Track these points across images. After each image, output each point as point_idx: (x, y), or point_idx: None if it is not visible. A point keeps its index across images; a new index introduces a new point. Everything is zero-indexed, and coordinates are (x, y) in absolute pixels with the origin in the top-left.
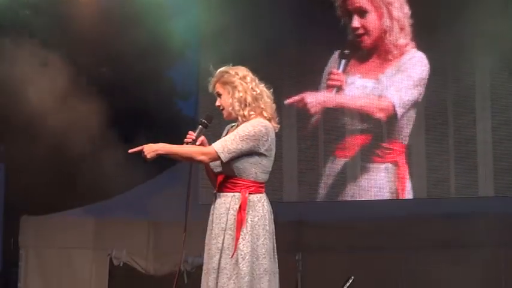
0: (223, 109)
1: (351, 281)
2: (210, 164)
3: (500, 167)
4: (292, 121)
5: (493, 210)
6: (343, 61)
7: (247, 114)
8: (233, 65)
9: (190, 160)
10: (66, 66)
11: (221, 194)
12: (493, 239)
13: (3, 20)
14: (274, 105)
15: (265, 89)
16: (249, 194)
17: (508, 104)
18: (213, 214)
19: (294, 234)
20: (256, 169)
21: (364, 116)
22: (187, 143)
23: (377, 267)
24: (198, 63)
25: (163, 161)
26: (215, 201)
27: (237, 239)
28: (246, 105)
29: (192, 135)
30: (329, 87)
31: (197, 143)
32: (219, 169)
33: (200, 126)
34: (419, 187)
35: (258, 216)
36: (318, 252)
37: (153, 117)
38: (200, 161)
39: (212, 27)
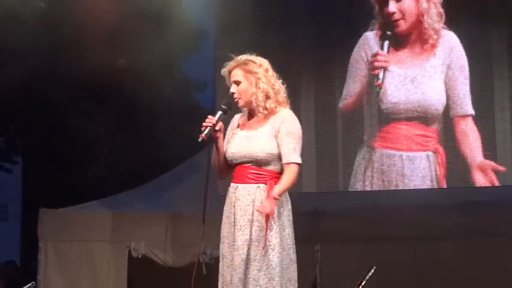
0: (239, 97)
1: (372, 271)
2: (230, 154)
3: None
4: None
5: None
6: (386, 42)
7: (269, 106)
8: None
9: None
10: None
11: (244, 185)
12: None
13: None
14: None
15: (281, 85)
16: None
17: None
18: (233, 206)
19: (312, 225)
20: (280, 161)
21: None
22: (206, 128)
23: (396, 257)
24: (213, 54)
25: (181, 152)
26: (236, 192)
27: (266, 230)
28: (268, 97)
29: (211, 119)
30: (376, 68)
31: (216, 128)
32: (239, 160)
33: (220, 111)
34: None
35: (283, 207)
36: (337, 242)
37: (171, 109)
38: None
39: (227, 18)
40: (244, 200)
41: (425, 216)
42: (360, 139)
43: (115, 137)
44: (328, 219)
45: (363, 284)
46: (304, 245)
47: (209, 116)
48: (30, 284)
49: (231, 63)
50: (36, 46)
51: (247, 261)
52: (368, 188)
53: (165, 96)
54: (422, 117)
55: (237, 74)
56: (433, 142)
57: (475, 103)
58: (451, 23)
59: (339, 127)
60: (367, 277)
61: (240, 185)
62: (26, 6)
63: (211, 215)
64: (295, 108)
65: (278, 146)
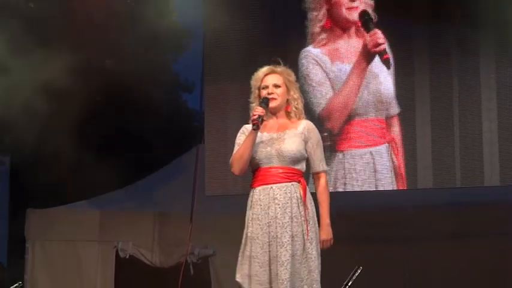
0: (276, 97)
1: (359, 271)
2: (260, 157)
3: (506, 156)
4: None
5: (499, 200)
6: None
7: (301, 112)
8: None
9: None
10: (69, 59)
11: (279, 185)
12: (499, 229)
13: None
14: None
15: None
16: None
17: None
18: (268, 207)
19: None
20: (305, 162)
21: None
22: (258, 116)
23: (383, 257)
24: (202, 55)
25: (168, 153)
26: (270, 193)
27: (307, 227)
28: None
29: (262, 112)
30: (379, 45)
31: (264, 119)
32: (270, 160)
33: (265, 105)
34: (426, 177)
35: (311, 202)
36: None
37: (159, 110)
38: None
39: (216, 19)
40: (282, 198)
41: (413, 216)
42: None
43: (102, 137)
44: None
45: (349, 284)
46: None
47: (257, 107)
48: (17, 284)
49: (270, 68)
50: None
51: (292, 257)
52: (340, 189)
53: (153, 96)
54: (380, 111)
55: (278, 79)
56: (388, 134)
57: (462, 104)
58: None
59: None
60: (354, 277)
61: (275, 185)
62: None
63: (199, 215)
64: None
65: (306, 151)
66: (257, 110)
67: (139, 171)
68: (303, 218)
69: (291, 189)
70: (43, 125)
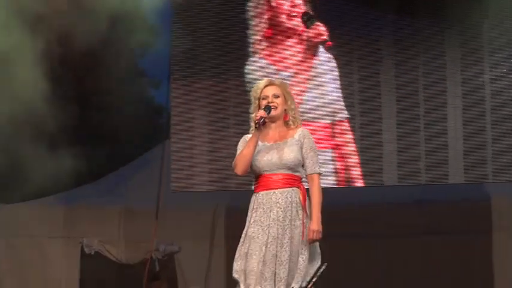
0: (276, 106)
1: (324, 267)
2: (262, 165)
3: (471, 153)
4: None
5: (463, 197)
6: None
7: (298, 120)
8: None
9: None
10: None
11: (281, 190)
12: (464, 226)
13: None
14: None
15: None
16: None
17: (479, 91)
18: (270, 210)
19: None
20: (303, 168)
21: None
22: (261, 118)
23: (349, 254)
24: (169, 51)
25: (134, 148)
26: (273, 197)
27: (303, 230)
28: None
29: (264, 114)
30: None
31: (266, 121)
32: (271, 167)
33: (268, 110)
34: (391, 174)
35: (309, 207)
36: None
37: (126, 105)
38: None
39: (184, 15)
40: (283, 202)
41: (378, 213)
42: None
43: (70, 132)
44: None
45: (314, 280)
46: None
47: (260, 111)
48: None
49: (269, 81)
50: None
51: (289, 257)
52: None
53: (121, 91)
54: (325, 116)
55: (276, 90)
56: (332, 139)
57: (428, 102)
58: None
59: None
60: (319, 273)
61: (277, 190)
62: None
63: (165, 211)
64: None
65: (302, 155)
66: (260, 113)
67: (104, 167)
68: (300, 221)
69: (292, 194)
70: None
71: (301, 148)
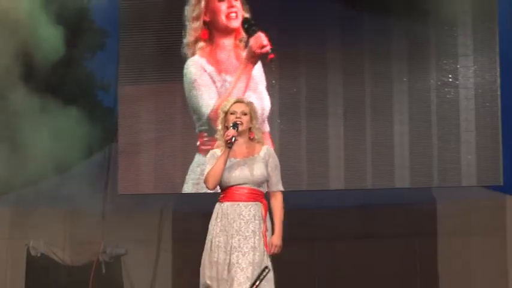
0: (242, 122)
1: (267, 270)
2: (232, 177)
3: (417, 158)
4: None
5: (408, 201)
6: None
7: (261, 136)
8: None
9: None
10: None
11: (245, 203)
12: (408, 230)
13: None
14: None
15: None
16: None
17: (425, 97)
18: (234, 220)
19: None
20: (266, 184)
21: None
22: (233, 137)
23: (293, 257)
24: (117, 53)
25: (81, 151)
26: (237, 209)
27: (265, 240)
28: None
29: (235, 133)
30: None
31: (235, 139)
32: (238, 182)
33: (236, 127)
34: (338, 179)
35: (269, 221)
36: None
37: (74, 108)
38: None
39: (132, 17)
40: (247, 215)
41: (320, 217)
42: None
43: (14, 131)
44: None
45: (257, 283)
46: (203, 244)
47: (230, 129)
48: None
49: (240, 98)
50: None
51: (251, 264)
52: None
53: (68, 93)
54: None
55: (245, 108)
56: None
57: (375, 108)
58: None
59: None
60: (261, 277)
61: (242, 203)
62: None
63: (111, 213)
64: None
65: (267, 173)
66: (230, 132)
67: (52, 169)
68: (261, 234)
69: (255, 208)
70: None
71: (267, 166)
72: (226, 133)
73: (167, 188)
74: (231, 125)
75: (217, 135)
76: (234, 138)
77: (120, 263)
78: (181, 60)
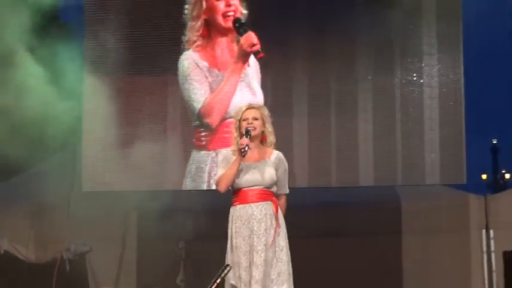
0: (254, 128)
1: (229, 268)
2: (241, 182)
3: (381, 156)
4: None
5: (372, 199)
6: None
7: (273, 141)
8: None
9: None
10: None
11: (256, 204)
12: (372, 227)
13: None
14: None
15: None
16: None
17: (389, 94)
18: (248, 222)
19: (177, 223)
20: (276, 185)
21: None
22: (246, 145)
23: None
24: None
25: (46, 149)
26: (249, 210)
27: (275, 237)
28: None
29: (248, 142)
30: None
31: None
32: (249, 184)
33: (249, 135)
34: (301, 177)
35: (282, 217)
36: (201, 240)
37: None
38: None
39: (97, 11)
40: (258, 214)
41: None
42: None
43: None
44: (193, 217)
45: (218, 281)
46: (168, 242)
47: (244, 138)
48: None
49: (250, 104)
50: None
51: (265, 261)
52: None
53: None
54: None
55: (256, 113)
56: None
57: (339, 106)
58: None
59: None
60: (223, 275)
61: (253, 204)
62: None
63: (76, 211)
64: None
65: (276, 177)
66: (244, 141)
67: (16, 166)
68: (273, 230)
69: (266, 207)
70: None
71: (276, 170)
72: (240, 142)
73: (133, 185)
74: (244, 133)
75: (233, 143)
76: (247, 147)
77: (84, 261)
78: (148, 53)
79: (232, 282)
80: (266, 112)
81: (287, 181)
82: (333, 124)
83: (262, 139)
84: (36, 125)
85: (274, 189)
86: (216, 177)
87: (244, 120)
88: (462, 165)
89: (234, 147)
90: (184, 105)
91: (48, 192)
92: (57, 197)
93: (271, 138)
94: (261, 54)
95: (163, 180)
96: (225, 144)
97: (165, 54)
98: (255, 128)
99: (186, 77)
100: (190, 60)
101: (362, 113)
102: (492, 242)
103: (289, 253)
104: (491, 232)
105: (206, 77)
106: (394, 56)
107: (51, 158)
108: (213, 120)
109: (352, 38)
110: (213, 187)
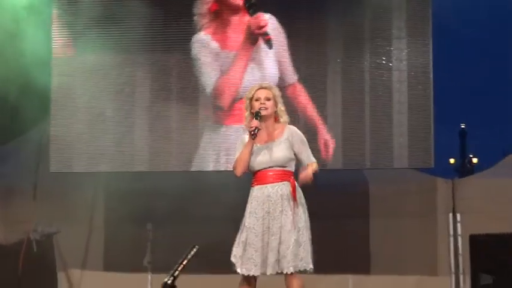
0: (266, 107)
1: (195, 250)
2: (256, 164)
3: (350, 140)
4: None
5: (341, 182)
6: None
7: (286, 119)
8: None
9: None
10: None
11: (272, 184)
12: (341, 211)
13: None
14: None
15: None
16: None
17: (358, 77)
18: (263, 203)
19: (145, 204)
20: (293, 163)
21: None
22: (256, 128)
23: (227, 237)
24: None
25: (13, 129)
26: (265, 191)
27: (293, 218)
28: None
29: (256, 123)
30: (262, 27)
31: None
32: (264, 166)
33: (259, 117)
34: None
35: (301, 197)
36: (170, 222)
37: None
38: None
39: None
40: (274, 195)
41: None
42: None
43: None
44: (161, 199)
45: (184, 263)
46: (136, 223)
47: (254, 120)
48: None
49: (260, 85)
50: None
51: (279, 244)
52: (222, 168)
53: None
54: None
55: (268, 94)
56: None
57: (308, 87)
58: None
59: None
60: (189, 256)
61: (269, 185)
62: None
63: (43, 192)
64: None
65: (294, 153)
66: (254, 123)
67: None
68: (291, 212)
69: (282, 188)
70: None
71: (293, 145)
72: (250, 124)
73: (100, 167)
74: (255, 115)
75: (245, 122)
76: (256, 130)
77: (51, 242)
78: (114, 31)
79: (233, 259)
80: (277, 92)
81: (309, 150)
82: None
83: (275, 119)
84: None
85: (291, 168)
86: (234, 163)
87: (256, 100)
88: (430, 149)
89: (245, 124)
90: (152, 83)
91: (15, 172)
92: (25, 177)
93: (284, 117)
94: (268, 37)
95: (131, 161)
96: (237, 118)
97: (135, 30)
98: (266, 109)
99: (196, 60)
100: (201, 43)
101: (331, 96)
102: (459, 225)
103: (309, 233)
104: (458, 216)
105: (216, 59)
106: (363, 39)
107: (18, 138)
108: (223, 102)
109: (322, 21)
110: (183, 169)
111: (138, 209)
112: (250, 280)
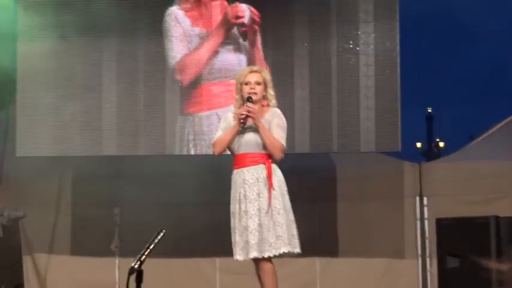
0: (255, 92)
1: (162, 234)
2: (234, 146)
3: (317, 123)
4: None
5: (308, 166)
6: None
7: (274, 103)
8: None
9: (271, 149)
10: None
11: (247, 168)
12: (308, 194)
13: None
14: None
15: None
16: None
17: (325, 62)
18: (240, 187)
19: (112, 188)
20: None
21: None
22: (244, 119)
23: (186, 221)
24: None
25: None
26: (242, 175)
27: (270, 200)
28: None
29: (247, 112)
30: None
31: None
32: (243, 148)
33: (251, 100)
34: None
35: (279, 179)
36: (136, 206)
37: None
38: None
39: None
40: (250, 179)
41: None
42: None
43: None
44: (129, 183)
45: (151, 247)
46: (104, 208)
47: (248, 104)
48: None
49: (251, 68)
50: None
51: (259, 226)
52: (192, 152)
53: None
54: (228, 77)
55: (258, 77)
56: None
57: (275, 73)
58: None
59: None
60: (156, 240)
61: (245, 168)
62: None
63: (10, 176)
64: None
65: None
66: (245, 109)
67: None
68: (268, 194)
69: (258, 171)
70: None
71: (270, 124)
72: (240, 111)
73: (67, 151)
74: (246, 99)
75: (236, 104)
76: (246, 117)
77: (18, 226)
78: (79, 14)
79: (233, 247)
80: (268, 76)
81: (283, 135)
82: None
83: (264, 104)
84: None
85: (267, 151)
86: (214, 139)
87: (246, 84)
88: (397, 133)
89: (236, 110)
90: (118, 65)
91: None
92: None
93: (273, 102)
94: (244, 28)
95: (99, 145)
96: (201, 106)
97: (102, 12)
98: (256, 93)
99: (166, 32)
100: (172, 17)
101: (298, 80)
102: (426, 209)
103: (290, 215)
104: (425, 199)
105: (186, 35)
106: (330, 23)
107: None
108: (184, 77)
109: (288, 5)
110: (150, 153)
111: (106, 193)
112: (257, 264)
